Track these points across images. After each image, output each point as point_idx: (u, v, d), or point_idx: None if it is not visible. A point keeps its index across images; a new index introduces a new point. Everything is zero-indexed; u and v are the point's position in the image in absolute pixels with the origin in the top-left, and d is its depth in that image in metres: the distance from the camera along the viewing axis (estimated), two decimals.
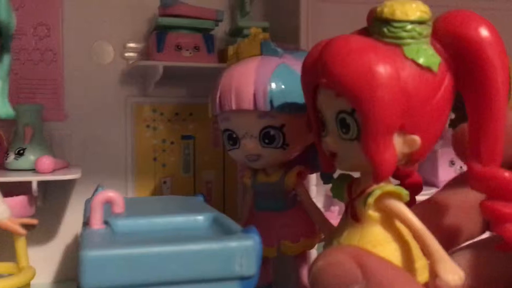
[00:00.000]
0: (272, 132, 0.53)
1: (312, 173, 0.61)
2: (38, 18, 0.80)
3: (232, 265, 0.37)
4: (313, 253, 0.65)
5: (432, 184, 0.86)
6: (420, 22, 0.31)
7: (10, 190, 0.67)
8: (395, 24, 0.31)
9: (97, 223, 0.42)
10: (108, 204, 0.43)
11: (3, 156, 0.72)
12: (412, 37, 0.31)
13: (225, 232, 0.43)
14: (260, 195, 0.60)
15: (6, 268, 0.71)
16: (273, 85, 0.52)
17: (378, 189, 0.32)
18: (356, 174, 0.38)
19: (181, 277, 0.36)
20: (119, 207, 0.42)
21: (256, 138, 0.54)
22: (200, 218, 0.49)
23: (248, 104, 0.52)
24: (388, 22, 0.31)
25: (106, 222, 0.44)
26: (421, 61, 0.30)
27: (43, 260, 0.77)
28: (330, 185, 0.54)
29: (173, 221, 0.48)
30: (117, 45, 0.84)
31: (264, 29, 0.81)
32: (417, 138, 0.31)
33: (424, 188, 0.39)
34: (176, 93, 0.87)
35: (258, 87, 0.52)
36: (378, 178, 0.32)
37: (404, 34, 0.31)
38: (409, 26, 0.31)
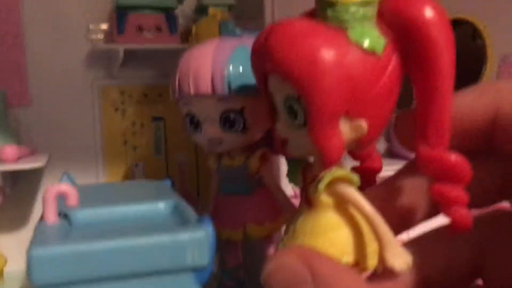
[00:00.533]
0: (232, 116, 0.52)
1: (276, 155, 0.61)
2: None
3: (184, 257, 0.37)
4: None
5: (405, 157, 0.86)
6: (365, 4, 0.30)
7: None
8: (339, 6, 0.30)
9: (51, 217, 0.41)
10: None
11: None
12: (356, 20, 0.30)
13: (183, 222, 0.42)
14: (225, 179, 0.59)
15: None
16: (231, 68, 0.51)
17: (328, 175, 0.32)
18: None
19: (132, 271, 0.36)
20: (72, 200, 0.41)
21: (217, 122, 0.53)
22: (160, 206, 0.48)
23: (206, 88, 0.51)
24: (331, 4, 0.30)
25: (63, 214, 0.43)
26: (365, 44, 0.30)
27: (15, 248, 0.76)
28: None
29: (132, 210, 0.47)
30: (81, 26, 0.81)
31: (230, 7, 0.79)
32: (363, 123, 0.31)
33: (397, 161, 0.39)
34: (144, 74, 0.85)
35: (215, 70, 0.50)
36: (326, 164, 0.32)
37: (347, 16, 0.30)
38: (352, 8, 0.30)
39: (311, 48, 0.29)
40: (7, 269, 0.70)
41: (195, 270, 0.37)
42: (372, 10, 0.31)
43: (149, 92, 0.86)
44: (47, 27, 0.80)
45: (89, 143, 0.83)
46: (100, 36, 0.81)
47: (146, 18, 0.74)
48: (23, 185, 0.79)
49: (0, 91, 0.73)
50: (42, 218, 0.44)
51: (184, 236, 0.37)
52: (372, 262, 0.31)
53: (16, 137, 0.74)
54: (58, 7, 0.80)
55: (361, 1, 0.30)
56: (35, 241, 0.36)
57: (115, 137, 0.85)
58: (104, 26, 0.81)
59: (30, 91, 0.80)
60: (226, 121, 0.53)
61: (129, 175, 0.86)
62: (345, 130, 0.31)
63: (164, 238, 0.37)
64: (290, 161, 0.56)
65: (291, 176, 0.42)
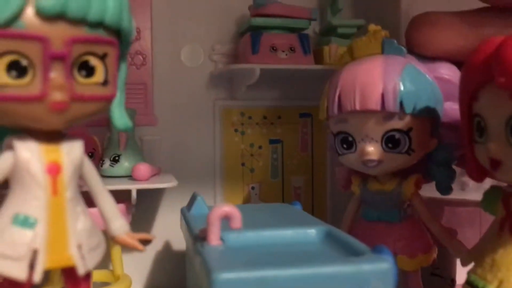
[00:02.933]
0: (397, 135, 0.49)
1: (428, 182, 0.56)
2: None
3: None
4: None
5: None
6: None
7: None
8: None
9: (215, 239, 0.39)
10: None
11: (98, 162, 0.71)
12: None
13: (348, 250, 0.39)
14: (371, 204, 0.56)
15: (101, 276, 0.70)
16: (403, 85, 0.48)
17: None
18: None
19: None
20: (237, 223, 0.39)
21: (378, 142, 0.50)
22: (311, 231, 0.46)
23: (375, 104, 0.48)
24: None
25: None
26: None
27: (133, 267, 0.76)
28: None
29: (284, 235, 0.45)
30: (205, 47, 0.81)
31: (358, 28, 0.77)
32: None
33: None
34: (265, 96, 0.84)
35: (387, 86, 0.48)
36: None
37: None
38: None
39: None
40: None
41: None
42: None
43: (269, 114, 0.84)
44: (173, 48, 0.81)
45: (209, 163, 0.82)
46: (222, 57, 0.81)
47: (280, 38, 0.72)
48: (145, 204, 0.79)
49: (131, 108, 0.74)
50: (199, 239, 0.42)
51: (367, 266, 0.34)
52: None
53: (143, 156, 0.74)
54: (184, 28, 0.81)
55: None
56: (214, 265, 0.34)
57: (234, 158, 0.83)
58: (226, 47, 0.81)
59: (155, 111, 0.80)
60: (390, 141, 0.49)
61: (245, 197, 0.84)
62: None
63: (346, 268, 0.34)
64: (446, 187, 0.52)
65: (488, 204, 0.39)
